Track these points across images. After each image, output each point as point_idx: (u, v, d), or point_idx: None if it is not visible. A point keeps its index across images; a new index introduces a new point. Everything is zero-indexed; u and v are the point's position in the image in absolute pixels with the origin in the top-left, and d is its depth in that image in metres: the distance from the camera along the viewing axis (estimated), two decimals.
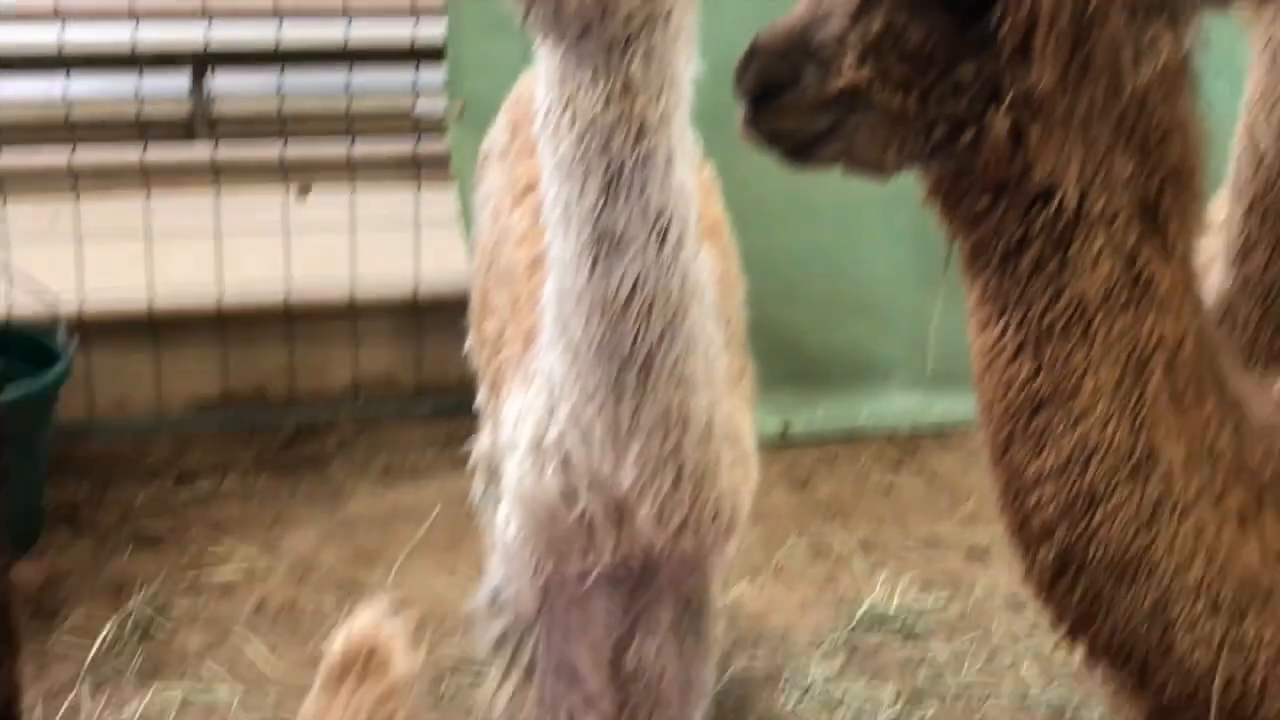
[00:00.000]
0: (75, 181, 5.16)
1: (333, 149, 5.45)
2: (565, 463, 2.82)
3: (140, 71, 5.33)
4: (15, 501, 3.68)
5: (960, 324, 2.17)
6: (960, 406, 4.88)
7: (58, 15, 5.15)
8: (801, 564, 4.72)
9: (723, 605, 3.44)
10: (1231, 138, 2.61)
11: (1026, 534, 2.16)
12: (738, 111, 2.11)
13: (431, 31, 5.21)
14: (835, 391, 5.48)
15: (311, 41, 5.53)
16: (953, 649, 4.33)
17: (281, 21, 5.36)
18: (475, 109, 4.71)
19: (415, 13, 5.36)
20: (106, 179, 5.32)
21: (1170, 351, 2.08)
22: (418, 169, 5.39)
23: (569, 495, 2.84)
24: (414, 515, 4.83)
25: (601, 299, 2.59)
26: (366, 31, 5.41)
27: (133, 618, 4.33)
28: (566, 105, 2.52)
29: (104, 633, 4.25)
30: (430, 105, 5.51)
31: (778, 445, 5.24)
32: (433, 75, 5.32)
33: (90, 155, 5.27)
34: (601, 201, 2.53)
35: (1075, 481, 2.09)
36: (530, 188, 3.04)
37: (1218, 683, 2.16)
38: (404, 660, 1.56)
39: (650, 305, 2.62)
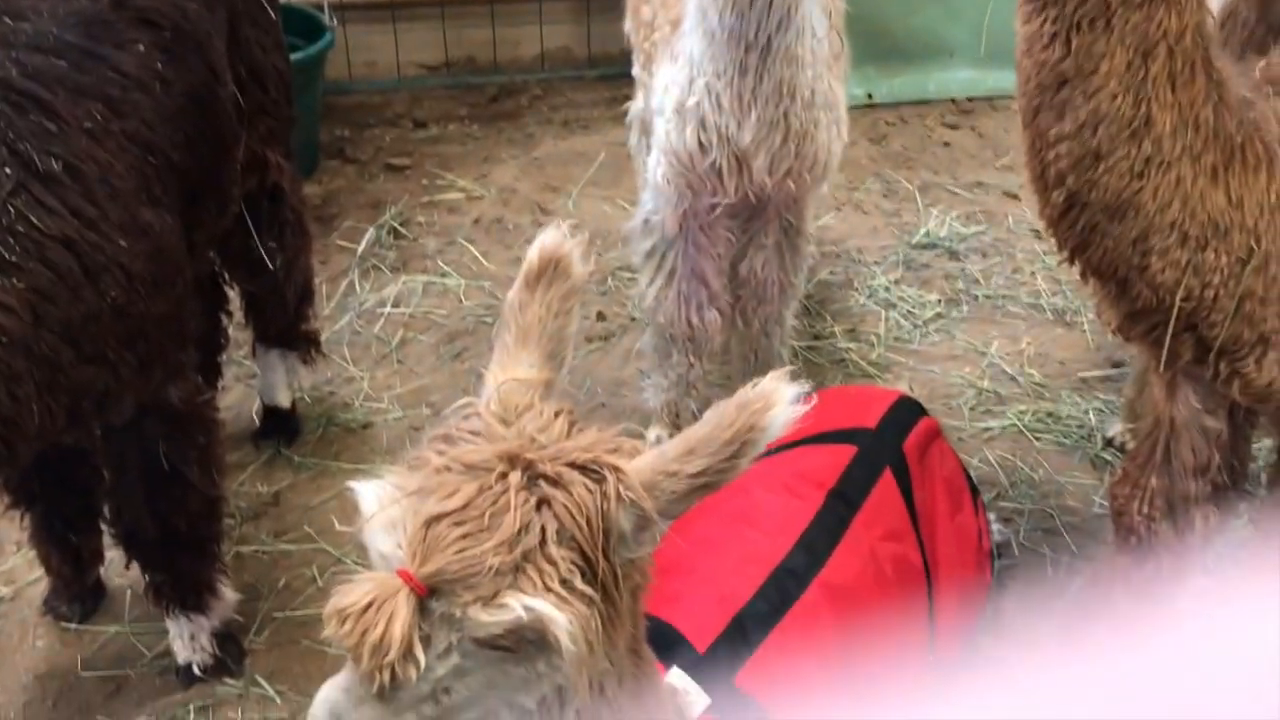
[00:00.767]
0: None
1: None
2: (701, 123, 2.81)
3: None
4: (300, 139, 3.77)
5: (1010, 15, 2.11)
6: (1008, 80, 4.67)
7: None
8: (874, 200, 4.68)
9: (813, 230, 3.45)
10: None
11: (1045, 180, 2.16)
12: None
13: None
14: (910, 66, 5.27)
15: None
16: (985, 265, 4.32)
17: None
18: None
19: None
20: None
21: (1173, 41, 2.02)
22: None
23: (703, 147, 2.84)
24: (586, 157, 4.83)
25: None
26: None
27: (386, 226, 4.44)
28: None
29: (366, 236, 4.38)
30: None
31: (863, 109, 5.10)
32: None
33: None
34: None
35: (1086, 141, 2.07)
36: None
37: (1180, 293, 2.20)
38: (580, 266, 1.63)
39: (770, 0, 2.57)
